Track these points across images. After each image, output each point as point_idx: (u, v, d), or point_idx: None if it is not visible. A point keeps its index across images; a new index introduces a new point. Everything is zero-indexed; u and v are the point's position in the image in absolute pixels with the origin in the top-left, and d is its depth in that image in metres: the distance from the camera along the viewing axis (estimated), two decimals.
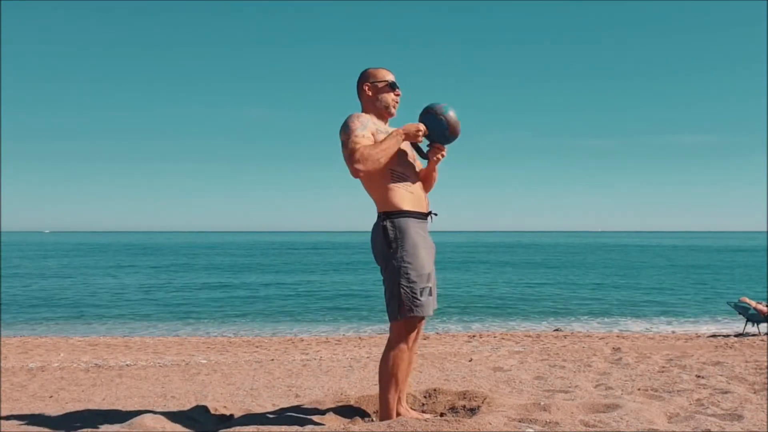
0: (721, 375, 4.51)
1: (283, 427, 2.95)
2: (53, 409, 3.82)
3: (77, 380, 5.29)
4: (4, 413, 3.70)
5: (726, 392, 3.75)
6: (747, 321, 9.21)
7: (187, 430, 3.07)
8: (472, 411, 3.15)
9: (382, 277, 2.88)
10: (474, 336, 9.46)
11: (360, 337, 9.82)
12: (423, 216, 2.93)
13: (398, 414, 2.99)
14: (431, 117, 2.93)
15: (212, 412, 3.43)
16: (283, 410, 3.39)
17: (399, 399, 3.03)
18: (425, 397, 3.51)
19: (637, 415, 3.02)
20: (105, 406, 3.98)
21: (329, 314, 14.71)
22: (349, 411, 3.33)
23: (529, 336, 9.38)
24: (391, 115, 3.01)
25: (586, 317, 14.14)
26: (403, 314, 2.79)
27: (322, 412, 3.27)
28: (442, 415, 3.23)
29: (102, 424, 3.26)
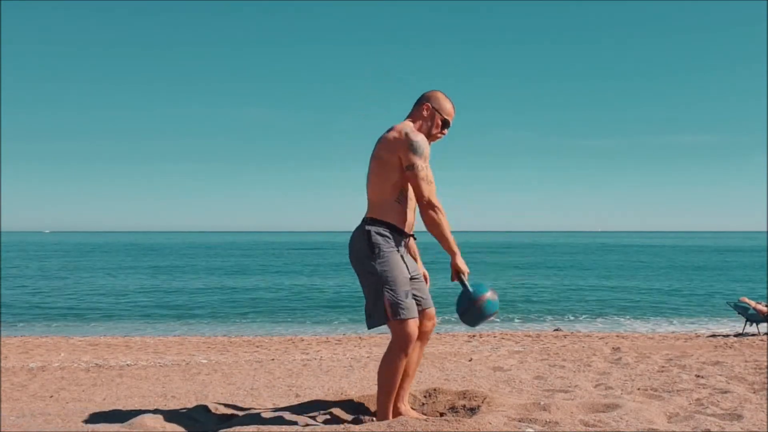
0: (720, 375, 4.51)
1: (283, 427, 2.96)
2: (54, 409, 3.83)
3: (78, 380, 5.30)
4: (4, 413, 3.70)
5: (726, 392, 3.75)
6: (747, 321, 9.21)
7: (187, 430, 3.08)
8: (472, 411, 3.16)
9: (360, 283, 2.91)
10: (474, 336, 9.46)
11: (360, 337, 9.82)
12: (406, 235, 2.97)
13: (399, 412, 3.00)
14: (474, 306, 2.92)
15: (213, 411, 3.44)
16: (283, 410, 3.40)
17: (401, 397, 3.04)
18: (425, 397, 3.51)
19: (637, 415, 3.02)
20: (105, 406, 3.98)
21: (329, 314, 14.72)
22: (349, 411, 3.33)
23: (529, 336, 9.38)
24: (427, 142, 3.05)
25: (586, 317, 14.15)
26: (389, 318, 2.81)
27: (323, 412, 3.28)
28: (442, 415, 3.24)
29: (102, 424, 3.26)
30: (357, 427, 2.85)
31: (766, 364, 5.06)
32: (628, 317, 14.10)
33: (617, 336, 9.42)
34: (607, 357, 5.93)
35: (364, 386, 4.59)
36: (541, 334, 9.89)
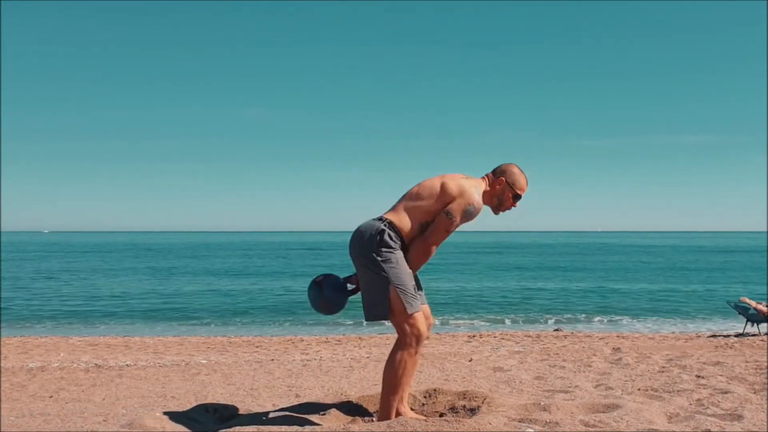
0: (721, 375, 4.51)
1: (283, 427, 2.95)
2: (53, 409, 3.82)
3: (77, 380, 5.29)
4: (4, 413, 3.70)
5: (726, 392, 3.75)
6: (747, 321, 9.20)
7: (187, 430, 3.07)
8: (472, 411, 3.15)
9: (360, 277, 2.96)
10: (474, 336, 9.46)
11: (360, 337, 9.81)
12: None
13: (399, 413, 3.00)
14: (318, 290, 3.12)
15: (212, 412, 3.43)
16: (283, 410, 3.39)
17: (401, 398, 3.04)
18: (425, 397, 3.51)
19: (637, 415, 3.02)
20: (105, 406, 3.98)
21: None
22: (349, 411, 3.33)
23: (529, 336, 9.37)
24: (493, 213, 3.16)
25: (586, 317, 14.15)
26: (404, 313, 2.85)
27: (323, 412, 3.27)
28: (442, 415, 3.23)
29: (102, 424, 3.26)
30: (357, 427, 2.85)
31: (766, 364, 5.05)
32: (628, 317, 14.10)
33: (617, 336, 9.41)
34: (608, 357, 5.93)
35: (363, 386, 4.59)
36: (541, 334, 9.88)
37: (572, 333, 10.19)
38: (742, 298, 9.57)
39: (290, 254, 49.34)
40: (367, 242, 2.90)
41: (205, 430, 3.09)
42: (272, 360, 6.60)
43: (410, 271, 2.95)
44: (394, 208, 3.02)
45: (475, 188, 3.00)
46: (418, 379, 4.75)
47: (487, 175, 3.13)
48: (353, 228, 3.01)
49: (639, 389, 4.02)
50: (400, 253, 2.93)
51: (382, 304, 2.87)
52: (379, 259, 2.86)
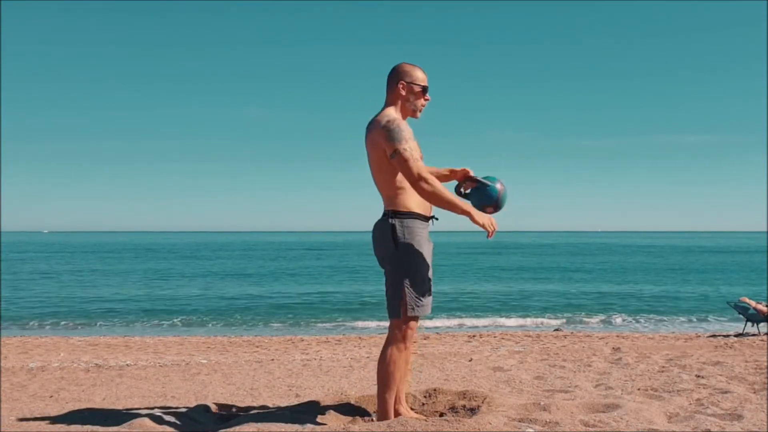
0: (721, 375, 4.51)
1: (283, 427, 2.95)
2: (53, 409, 3.83)
3: (77, 380, 5.29)
4: (4, 413, 3.70)
5: (726, 392, 3.75)
6: (747, 321, 9.20)
7: (187, 430, 3.07)
8: (472, 411, 3.15)
9: (384, 274, 2.90)
10: (474, 336, 9.46)
11: (360, 337, 9.81)
12: (427, 219, 2.97)
13: (398, 414, 3.00)
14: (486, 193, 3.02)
15: (213, 411, 3.44)
16: (283, 410, 3.39)
17: (399, 398, 3.04)
18: (425, 397, 3.51)
19: (637, 415, 3.02)
20: (105, 406, 3.98)
21: (329, 314, 14.72)
22: (349, 411, 3.33)
23: (529, 336, 9.38)
24: (415, 117, 3.02)
25: (586, 317, 14.15)
26: (404, 314, 2.83)
27: (323, 412, 3.27)
28: (442, 415, 3.23)
29: (102, 424, 3.26)
30: (357, 427, 2.85)
31: (766, 364, 5.05)
32: (628, 317, 14.11)
33: (617, 336, 9.42)
34: (608, 357, 5.93)
35: (363, 386, 4.59)
36: (541, 334, 9.89)
37: (572, 333, 10.20)
38: (741, 298, 9.57)
39: (290, 254, 49.34)
40: (383, 244, 2.87)
41: (205, 430, 3.09)
42: (272, 360, 6.60)
43: (429, 271, 2.89)
44: (383, 198, 2.94)
45: (383, 115, 2.89)
46: (418, 379, 4.75)
47: (387, 98, 2.99)
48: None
49: (639, 389, 4.02)
50: (418, 248, 2.84)
51: (396, 305, 2.84)
52: (397, 257, 2.82)
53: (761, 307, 9.01)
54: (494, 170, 3.15)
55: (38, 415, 3.55)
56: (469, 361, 5.92)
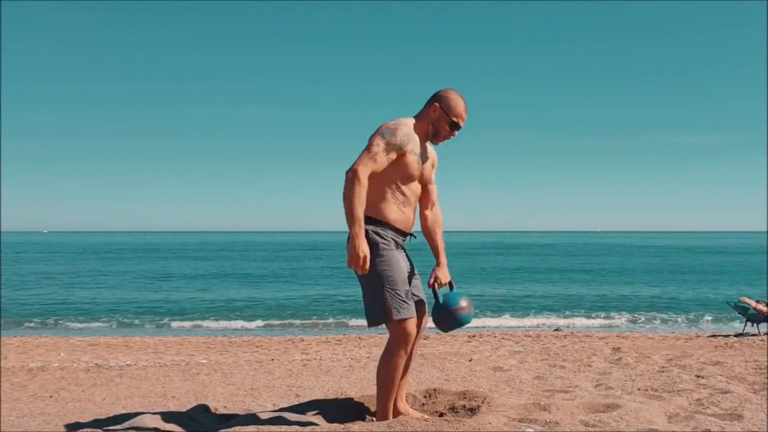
0: (720, 375, 4.51)
1: (283, 427, 2.95)
2: (53, 409, 3.83)
3: (77, 380, 5.30)
4: (4, 413, 3.70)
5: (726, 392, 3.75)
6: (747, 321, 9.20)
7: (187, 430, 3.07)
8: (472, 411, 3.15)
9: (358, 280, 2.87)
10: (474, 336, 9.45)
11: (360, 337, 9.81)
12: (403, 234, 2.94)
13: (398, 412, 3.00)
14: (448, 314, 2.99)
15: (213, 411, 3.44)
16: (283, 410, 3.39)
17: (399, 397, 3.04)
18: (425, 397, 3.51)
19: (637, 415, 3.02)
20: (105, 406, 3.98)
21: (329, 314, 14.72)
22: (349, 411, 3.33)
23: (529, 336, 9.38)
24: (433, 143, 2.99)
25: (586, 317, 14.16)
26: (390, 318, 2.80)
27: (323, 412, 3.27)
28: (442, 415, 3.23)
29: (102, 424, 3.26)
30: (357, 427, 2.85)
31: (766, 364, 5.06)
32: (628, 317, 14.12)
33: (617, 336, 9.41)
34: (608, 357, 5.93)
35: (363, 386, 4.59)
36: (541, 334, 9.89)
37: (572, 333, 10.19)
38: (741, 298, 9.56)
39: (290, 254, 49.33)
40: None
41: (205, 430, 3.09)
42: (272, 360, 6.61)
43: (406, 274, 2.86)
44: (366, 201, 2.79)
45: (399, 121, 2.86)
46: (418, 379, 4.75)
47: (420, 111, 2.97)
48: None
49: (639, 389, 4.03)
50: (393, 253, 2.83)
51: (378, 311, 2.81)
52: (372, 263, 2.75)
53: (761, 307, 9.01)
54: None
55: (38, 415, 3.55)
56: (469, 361, 5.93)
